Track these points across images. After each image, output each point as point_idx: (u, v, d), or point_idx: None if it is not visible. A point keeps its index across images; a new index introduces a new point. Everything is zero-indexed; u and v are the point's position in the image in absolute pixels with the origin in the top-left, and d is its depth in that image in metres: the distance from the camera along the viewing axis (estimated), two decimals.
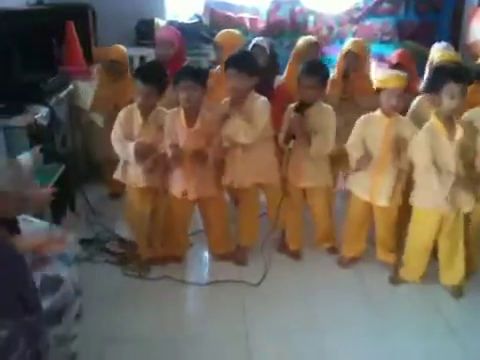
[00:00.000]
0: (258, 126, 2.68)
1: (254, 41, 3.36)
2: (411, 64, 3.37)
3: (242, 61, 2.71)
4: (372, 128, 2.72)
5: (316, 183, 2.90)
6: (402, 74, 2.70)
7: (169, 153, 2.67)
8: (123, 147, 2.72)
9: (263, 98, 2.75)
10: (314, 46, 3.50)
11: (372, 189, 2.74)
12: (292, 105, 2.83)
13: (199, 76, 2.65)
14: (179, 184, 2.77)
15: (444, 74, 2.55)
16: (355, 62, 3.39)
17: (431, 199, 2.56)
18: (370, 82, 3.44)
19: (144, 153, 2.68)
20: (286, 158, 2.80)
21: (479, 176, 2.56)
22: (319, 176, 2.89)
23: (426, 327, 2.52)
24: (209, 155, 2.67)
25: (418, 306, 2.68)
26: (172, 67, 3.13)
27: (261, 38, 3.47)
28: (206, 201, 2.89)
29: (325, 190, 2.96)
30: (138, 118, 2.74)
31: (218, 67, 3.38)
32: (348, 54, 3.39)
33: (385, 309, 2.65)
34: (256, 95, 2.76)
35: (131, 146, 2.68)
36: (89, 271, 2.75)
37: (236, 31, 3.57)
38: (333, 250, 3.12)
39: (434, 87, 2.53)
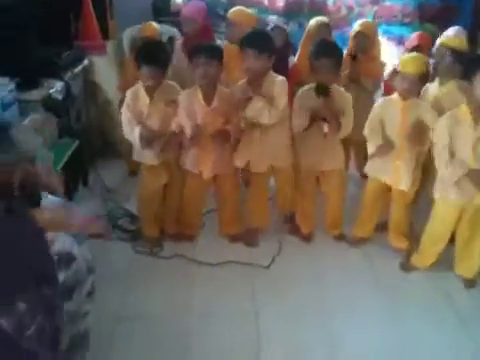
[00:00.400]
0: (280, 106, 2.64)
1: (273, 22, 3.31)
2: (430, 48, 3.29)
3: (262, 41, 2.65)
4: (389, 112, 2.69)
5: (333, 166, 2.87)
6: (422, 59, 2.66)
7: (187, 132, 2.65)
8: (131, 130, 2.68)
9: (281, 78, 2.70)
10: (325, 27, 3.43)
11: (393, 173, 2.72)
12: (305, 88, 2.79)
13: (214, 52, 2.62)
14: (195, 163, 2.77)
15: (477, 63, 2.45)
16: (364, 43, 3.32)
17: (451, 190, 2.52)
18: (379, 64, 3.41)
19: (149, 138, 2.64)
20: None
21: None
22: (336, 159, 2.87)
23: (436, 315, 2.51)
24: (231, 134, 2.65)
25: (429, 293, 2.67)
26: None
27: (278, 18, 3.41)
28: (221, 179, 2.88)
29: (340, 173, 2.94)
30: (144, 97, 2.69)
31: (225, 42, 3.34)
32: (358, 35, 3.33)
33: (395, 295, 2.64)
34: (274, 75, 2.71)
35: (136, 131, 2.64)
36: (101, 248, 2.77)
37: (248, 9, 3.49)
38: (341, 237, 3.10)
39: (468, 76, 2.44)
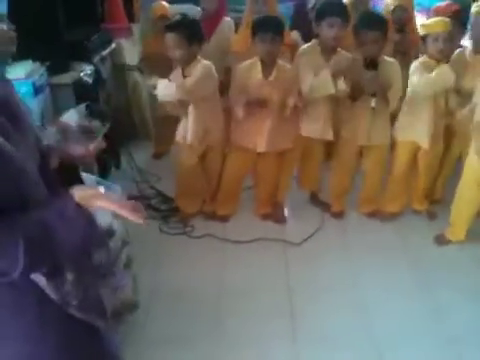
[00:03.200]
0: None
1: None
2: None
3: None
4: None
5: (380, 141, 2.83)
6: (446, 19, 2.64)
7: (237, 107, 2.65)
8: (167, 85, 2.63)
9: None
10: None
11: (423, 133, 2.71)
12: (350, 57, 2.74)
13: (279, 28, 2.61)
14: (248, 136, 2.77)
15: None
16: (404, 16, 3.28)
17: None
18: (418, 35, 3.32)
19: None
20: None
21: None
22: (383, 133, 2.83)
23: (471, 287, 2.48)
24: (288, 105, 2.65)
25: (464, 265, 2.65)
26: (212, 21, 3.21)
27: None
28: (266, 157, 2.86)
29: (384, 149, 2.90)
30: (178, 70, 2.67)
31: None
32: (396, 9, 3.27)
33: (429, 268, 2.62)
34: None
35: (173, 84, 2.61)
36: (134, 227, 2.80)
37: None
38: (374, 214, 3.08)
39: None
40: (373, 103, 2.63)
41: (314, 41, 2.76)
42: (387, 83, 2.65)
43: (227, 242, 2.84)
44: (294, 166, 3.03)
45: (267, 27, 2.57)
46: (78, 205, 1.06)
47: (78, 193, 1.07)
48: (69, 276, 1.18)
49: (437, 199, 3.12)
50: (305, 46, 2.79)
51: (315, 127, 2.81)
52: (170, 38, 2.58)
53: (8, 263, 0.99)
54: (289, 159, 2.95)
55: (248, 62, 2.69)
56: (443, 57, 2.62)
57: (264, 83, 2.65)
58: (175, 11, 3.89)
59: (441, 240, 2.80)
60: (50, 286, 1.16)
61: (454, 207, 2.73)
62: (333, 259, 2.71)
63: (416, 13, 4.35)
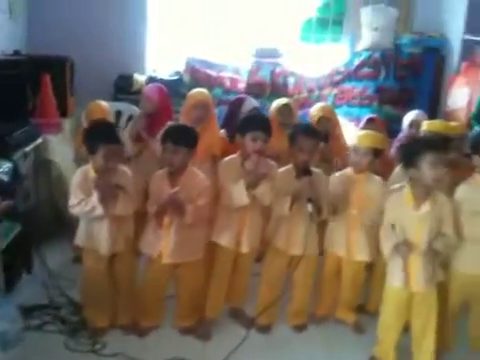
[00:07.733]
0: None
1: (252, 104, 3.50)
2: (380, 129, 3.38)
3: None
4: (344, 186, 2.78)
5: (312, 251, 2.77)
6: (373, 134, 2.85)
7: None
8: (85, 203, 2.50)
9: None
10: (285, 107, 3.55)
11: (348, 245, 2.78)
12: (282, 170, 2.76)
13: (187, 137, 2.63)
14: (154, 245, 2.64)
15: (422, 147, 2.41)
16: (328, 126, 3.50)
17: (398, 276, 2.46)
18: (344, 143, 3.57)
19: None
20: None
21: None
22: (312, 243, 2.76)
23: None
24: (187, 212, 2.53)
25: None
26: (151, 123, 3.32)
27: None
28: (184, 267, 2.71)
29: (315, 259, 2.85)
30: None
31: None
32: (321, 120, 3.47)
33: None
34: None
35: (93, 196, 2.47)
36: (40, 342, 2.54)
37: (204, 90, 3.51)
38: (301, 328, 2.94)
39: (411, 160, 2.41)
40: (310, 208, 2.59)
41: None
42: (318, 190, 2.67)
43: None
44: (222, 278, 2.83)
45: (178, 139, 2.58)
46: None
47: None
48: None
49: (370, 310, 3.02)
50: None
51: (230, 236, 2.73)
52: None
53: None
54: (215, 270, 2.80)
55: (160, 172, 2.69)
56: (360, 169, 2.76)
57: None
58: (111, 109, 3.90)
59: None
60: None
61: (379, 327, 2.63)
62: None
63: (347, 122, 4.59)
